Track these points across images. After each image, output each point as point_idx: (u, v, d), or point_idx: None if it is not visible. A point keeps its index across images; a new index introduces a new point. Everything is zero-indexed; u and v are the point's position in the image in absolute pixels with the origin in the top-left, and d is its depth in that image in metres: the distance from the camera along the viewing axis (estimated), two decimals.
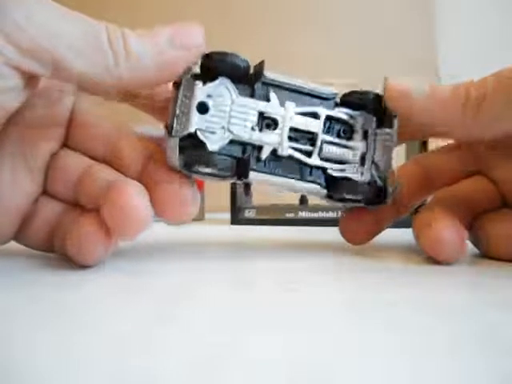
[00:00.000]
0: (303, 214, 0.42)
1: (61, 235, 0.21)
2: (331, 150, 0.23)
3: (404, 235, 0.24)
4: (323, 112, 0.23)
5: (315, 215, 0.42)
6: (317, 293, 0.17)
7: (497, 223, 0.23)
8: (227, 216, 0.43)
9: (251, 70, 0.22)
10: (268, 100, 0.22)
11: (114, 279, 0.19)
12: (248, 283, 0.18)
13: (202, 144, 0.20)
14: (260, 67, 0.22)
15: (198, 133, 0.20)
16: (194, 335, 0.12)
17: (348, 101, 0.23)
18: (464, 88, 0.21)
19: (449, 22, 0.72)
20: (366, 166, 0.24)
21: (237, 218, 0.43)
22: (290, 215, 0.42)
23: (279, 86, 0.22)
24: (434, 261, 0.22)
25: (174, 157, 0.20)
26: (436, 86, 0.21)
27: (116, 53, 0.18)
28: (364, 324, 0.13)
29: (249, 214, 0.43)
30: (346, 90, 0.23)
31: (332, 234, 0.26)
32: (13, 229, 0.21)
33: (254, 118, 0.21)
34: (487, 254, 0.23)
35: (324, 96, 0.23)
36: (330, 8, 0.73)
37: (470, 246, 0.25)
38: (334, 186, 0.23)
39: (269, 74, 0.22)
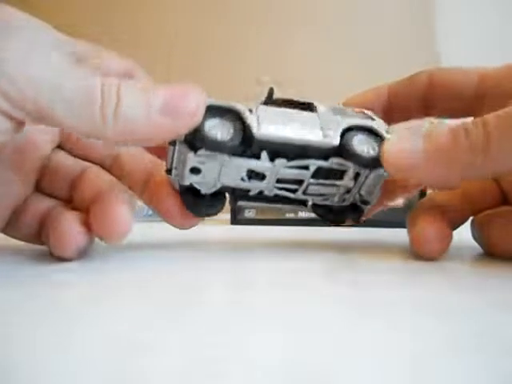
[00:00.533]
0: (303, 214, 0.42)
1: (47, 227, 0.22)
2: (317, 189, 0.23)
3: (403, 235, 0.24)
4: (314, 164, 0.22)
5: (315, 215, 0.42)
6: (316, 293, 0.17)
7: (498, 221, 0.23)
8: (227, 216, 0.43)
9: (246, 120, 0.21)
10: (259, 157, 0.22)
11: (111, 278, 0.19)
12: (248, 283, 0.18)
13: (197, 188, 0.22)
14: (251, 132, 0.21)
15: (193, 183, 0.22)
16: (194, 335, 0.12)
17: (344, 152, 0.22)
18: (463, 130, 0.19)
19: (449, 22, 0.72)
20: (349, 195, 0.24)
21: (237, 218, 0.43)
22: (290, 215, 0.42)
23: (272, 143, 0.21)
24: (433, 261, 0.22)
25: (175, 185, 0.23)
26: (433, 136, 0.20)
27: (105, 113, 0.17)
28: (364, 324, 0.13)
29: (249, 213, 0.43)
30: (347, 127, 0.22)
31: (332, 234, 0.26)
32: (2, 223, 0.22)
33: (244, 174, 0.22)
34: (489, 252, 0.23)
35: (320, 150, 0.22)
36: (329, 8, 0.73)
37: (469, 245, 0.25)
38: (315, 209, 0.25)
39: (263, 131, 0.21)
